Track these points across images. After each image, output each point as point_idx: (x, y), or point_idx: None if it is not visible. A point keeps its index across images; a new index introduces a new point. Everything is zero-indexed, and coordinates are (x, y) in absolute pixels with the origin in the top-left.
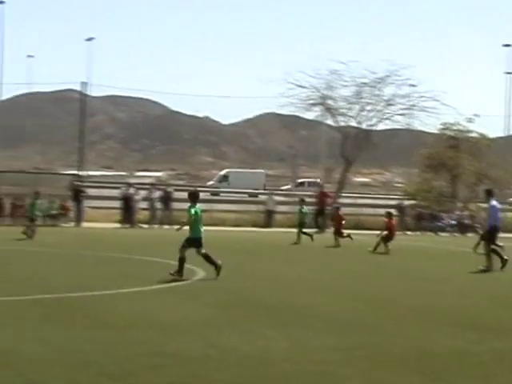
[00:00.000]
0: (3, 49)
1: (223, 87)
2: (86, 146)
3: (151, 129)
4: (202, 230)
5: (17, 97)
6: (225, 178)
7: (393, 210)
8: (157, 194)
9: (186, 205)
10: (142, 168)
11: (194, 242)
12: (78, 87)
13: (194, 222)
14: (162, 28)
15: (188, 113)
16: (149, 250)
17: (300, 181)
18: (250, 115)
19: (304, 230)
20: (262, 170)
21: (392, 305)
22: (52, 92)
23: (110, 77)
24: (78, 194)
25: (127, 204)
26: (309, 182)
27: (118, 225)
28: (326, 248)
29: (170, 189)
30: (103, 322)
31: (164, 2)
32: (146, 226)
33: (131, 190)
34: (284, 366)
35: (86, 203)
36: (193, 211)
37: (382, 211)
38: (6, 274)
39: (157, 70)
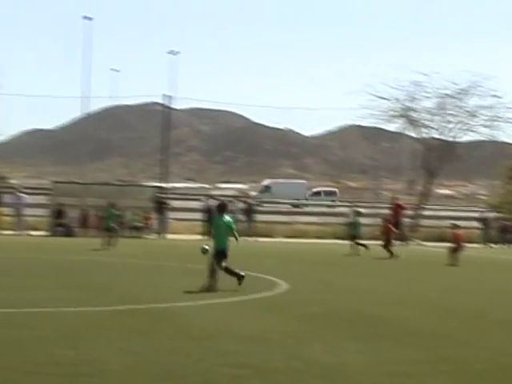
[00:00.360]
0: (91, 63)
1: (305, 99)
2: (169, 159)
3: (234, 141)
4: (227, 242)
5: (103, 110)
6: (267, 188)
7: (476, 223)
8: (239, 206)
9: (269, 217)
10: (224, 180)
11: (219, 253)
12: (162, 100)
13: (218, 234)
14: (244, 41)
15: (270, 125)
16: (231, 262)
17: (316, 190)
18: (332, 127)
19: (359, 242)
20: (304, 181)
21: (476, 317)
22: (137, 105)
23: (194, 89)
24: (161, 206)
25: (210, 216)
26: (325, 191)
27: (200, 236)
28: (406, 260)
29: (252, 201)
30: (186, 333)
31: (247, 16)
32: None
33: (213, 202)
34: (362, 379)
35: (170, 215)
36: (217, 223)
37: (465, 224)
38: (91, 285)
39: (239, 83)
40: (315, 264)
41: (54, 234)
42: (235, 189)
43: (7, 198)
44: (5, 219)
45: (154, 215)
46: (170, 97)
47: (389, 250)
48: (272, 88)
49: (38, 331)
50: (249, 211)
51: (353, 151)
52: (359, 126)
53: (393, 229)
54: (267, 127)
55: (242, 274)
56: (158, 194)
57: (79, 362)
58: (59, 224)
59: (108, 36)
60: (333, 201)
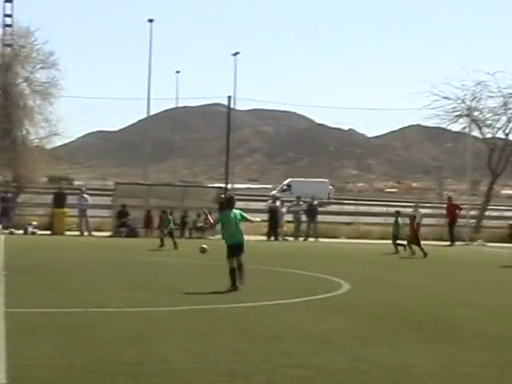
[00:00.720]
0: (152, 65)
1: (368, 100)
2: (232, 160)
3: (296, 142)
4: (236, 237)
5: (165, 111)
6: (288, 187)
7: None
8: (302, 206)
9: (332, 218)
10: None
11: (231, 248)
12: (224, 101)
13: (228, 229)
14: (307, 41)
15: (333, 125)
16: (294, 263)
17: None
18: (396, 127)
19: (398, 242)
20: (326, 180)
21: None
22: (199, 106)
23: (256, 90)
24: (224, 207)
25: (273, 217)
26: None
27: (263, 237)
28: (469, 261)
29: (315, 202)
30: (249, 334)
31: (309, 17)
32: (291, 238)
33: (277, 203)
34: (427, 381)
35: None
36: (220, 217)
37: None
38: (154, 286)
39: (302, 84)
40: (378, 264)
41: (117, 235)
42: None
43: (72, 199)
44: (69, 220)
45: (216, 216)
46: (232, 98)
47: (422, 249)
48: (335, 88)
49: (102, 331)
50: (311, 212)
51: (416, 151)
52: (422, 126)
53: (418, 227)
54: (330, 128)
55: (237, 286)
56: (221, 195)
57: (143, 361)
58: (122, 225)
59: (172, 38)
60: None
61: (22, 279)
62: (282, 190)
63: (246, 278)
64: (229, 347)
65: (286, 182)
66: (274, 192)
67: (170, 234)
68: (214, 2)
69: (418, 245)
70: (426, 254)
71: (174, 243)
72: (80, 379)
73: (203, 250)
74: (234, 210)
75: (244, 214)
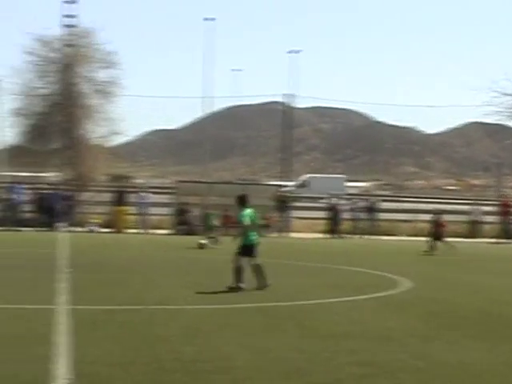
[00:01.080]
0: (212, 63)
1: (426, 96)
2: (290, 157)
3: (354, 139)
4: (252, 237)
5: (225, 109)
6: (305, 183)
7: None
8: (361, 204)
9: (391, 215)
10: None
11: (244, 249)
12: (282, 99)
13: (243, 228)
14: (365, 39)
15: (391, 123)
16: (353, 260)
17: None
18: (455, 124)
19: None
20: (343, 176)
21: None
22: (258, 104)
23: (315, 88)
24: (283, 205)
25: (333, 214)
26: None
27: (320, 235)
28: None
29: (374, 199)
30: (311, 331)
31: (367, 14)
32: (349, 236)
33: (336, 201)
34: (488, 379)
35: (292, 213)
36: (243, 216)
37: None
38: (213, 283)
39: (360, 81)
40: (438, 262)
41: (176, 233)
42: (357, 187)
43: (132, 198)
44: (129, 218)
45: (275, 214)
46: (290, 95)
47: (433, 245)
48: (393, 85)
49: (162, 328)
50: (371, 209)
51: (476, 149)
52: (482, 123)
53: (444, 224)
54: (388, 125)
55: (242, 286)
56: (279, 193)
57: (203, 358)
58: (182, 222)
59: (230, 36)
60: None
61: (84, 276)
62: (298, 187)
63: (335, 275)
64: (292, 344)
65: (302, 179)
66: (289, 188)
67: (210, 231)
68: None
69: (441, 240)
70: (451, 247)
71: (212, 239)
72: (139, 376)
73: (201, 246)
74: (247, 210)
75: (249, 218)
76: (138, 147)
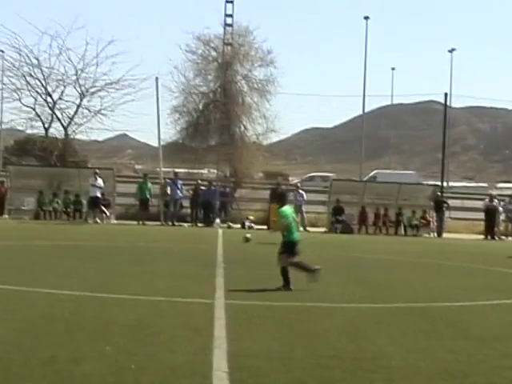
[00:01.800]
0: (368, 62)
1: None
2: (447, 157)
3: None
4: (295, 233)
5: (380, 108)
6: (373, 179)
7: None
8: (510, 207)
9: None
10: (503, 179)
11: (287, 247)
12: (439, 99)
13: (285, 226)
14: None
15: None
16: (510, 262)
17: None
18: None
19: None
20: (413, 172)
21: None
22: (413, 104)
23: (472, 87)
24: (440, 205)
25: (490, 216)
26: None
27: (479, 236)
28: None
29: None
30: (467, 333)
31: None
32: (506, 237)
33: (494, 202)
34: None
35: (448, 214)
36: (281, 213)
37: None
38: (370, 282)
39: None
40: None
41: (332, 231)
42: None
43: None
44: None
45: (432, 214)
46: (448, 95)
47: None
48: None
49: (319, 325)
50: None
51: None
52: None
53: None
54: None
55: (290, 287)
56: (436, 193)
57: (361, 357)
58: (337, 221)
59: (387, 35)
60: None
61: (240, 272)
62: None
63: (491, 277)
64: (446, 346)
65: (371, 174)
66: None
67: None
68: None
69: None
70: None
71: None
72: (298, 371)
73: (247, 240)
74: (286, 207)
75: (287, 216)
76: (293, 145)
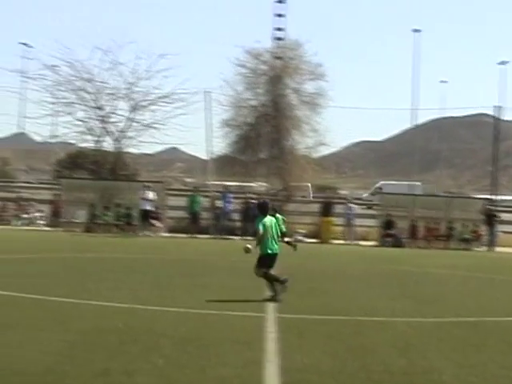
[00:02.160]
0: (419, 75)
1: None
2: (498, 170)
3: None
4: (271, 246)
5: (430, 121)
6: (379, 190)
7: None
8: None
9: None
10: None
11: (261, 260)
12: (490, 111)
13: (262, 238)
14: None
15: None
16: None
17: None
18: None
19: None
20: (419, 183)
21: None
22: (464, 116)
23: None
24: (491, 219)
25: None
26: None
27: None
28: None
29: None
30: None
31: None
32: None
33: None
34: None
35: (500, 228)
36: (259, 224)
37: None
38: (420, 296)
39: None
40: None
41: (382, 245)
42: None
43: (339, 208)
44: (335, 229)
45: (483, 228)
46: (499, 107)
47: None
48: None
49: (370, 339)
50: None
51: None
52: None
53: None
54: None
55: (284, 279)
56: (487, 207)
57: (411, 371)
58: (388, 235)
59: (438, 48)
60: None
61: (292, 286)
62: (373, 194)
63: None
64: (497, 361)
65: (377, 186)
66: (365, 195)
67: None
68: (479, 11)
69: None
70: None
71: None
72: None
73: (247, 250)
74: (268, 218)
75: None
76: (343, 158)
